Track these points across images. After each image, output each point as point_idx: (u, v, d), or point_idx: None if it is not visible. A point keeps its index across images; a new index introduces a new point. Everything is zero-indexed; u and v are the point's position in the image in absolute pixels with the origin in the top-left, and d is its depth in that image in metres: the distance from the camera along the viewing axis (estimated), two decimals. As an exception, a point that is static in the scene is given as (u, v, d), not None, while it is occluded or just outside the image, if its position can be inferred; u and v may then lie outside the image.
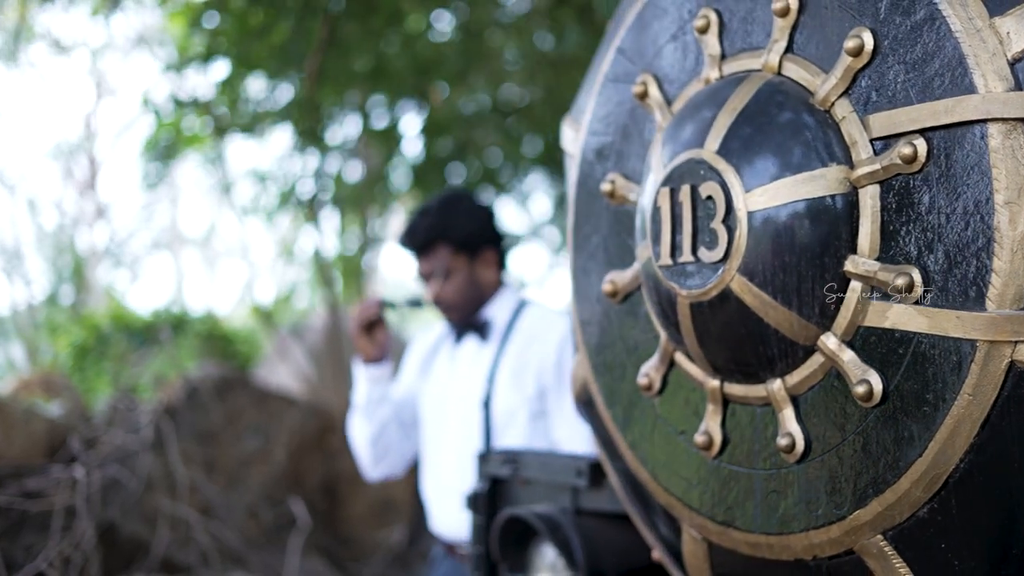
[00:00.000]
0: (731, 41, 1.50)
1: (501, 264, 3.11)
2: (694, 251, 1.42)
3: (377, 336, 3.08)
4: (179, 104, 6.96)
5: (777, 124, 1.38)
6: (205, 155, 8.92)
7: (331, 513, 5.93)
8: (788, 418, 1.40)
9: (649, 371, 1.59)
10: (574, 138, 1.80)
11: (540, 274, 12.76)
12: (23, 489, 4.53)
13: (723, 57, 1.51)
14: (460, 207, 3.05)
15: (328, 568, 5.10)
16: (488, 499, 2.24)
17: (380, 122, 7.88)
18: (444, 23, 7.72)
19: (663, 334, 1.56)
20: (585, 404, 1.80)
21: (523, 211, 10.76)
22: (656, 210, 1.47)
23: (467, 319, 3.06)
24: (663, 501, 1.60)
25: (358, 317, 3.06)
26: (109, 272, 19.97)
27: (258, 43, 6.10)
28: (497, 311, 3.06)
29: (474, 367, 3.02)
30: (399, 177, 8.57)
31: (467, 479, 2.90)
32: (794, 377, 1.40)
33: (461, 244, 3.00)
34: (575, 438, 2.83)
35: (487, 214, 3.09)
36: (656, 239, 1.48)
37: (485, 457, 2.26)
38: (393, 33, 6.97)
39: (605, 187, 1.66)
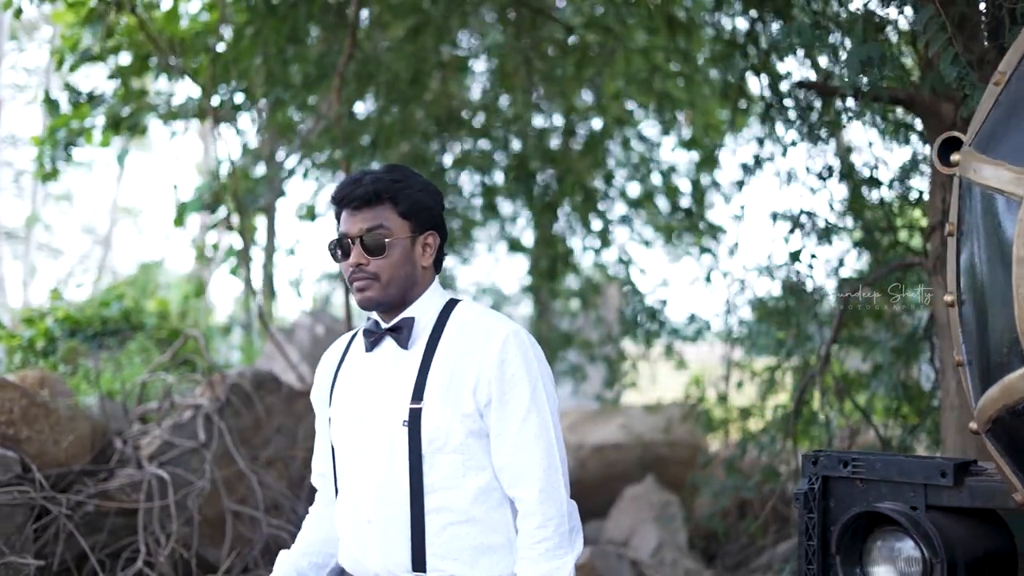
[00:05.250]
0: None
1: (439, 257, 2.66)
2: None
3: None
4: (75, 100, 6.88)
5: None
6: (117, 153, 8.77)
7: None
8: None
9: None
10: (1015, 179, 2.05)
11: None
12: (100, 490, 4.42)
13: None
14: (411, 175, 2.64)
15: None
16: (820, 497, 2.46)
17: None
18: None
19: None
20: (1020, 415, 2.05)
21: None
22: None
23: (387, 306, 2.57)
24: None
25: None
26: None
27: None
28: (422, 310, 2.58)
29: (395, 379, 2.54)
30: None
31: (392, 511, 2.47)
32: None
33: (408, 211, 2.56)
34: (517, 463, 2.45)
35: (438, 194, 2.68)
36: None
37: (816, 458, 2.48)
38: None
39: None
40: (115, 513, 4.48)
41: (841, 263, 6.31)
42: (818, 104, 6.20)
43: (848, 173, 6.17)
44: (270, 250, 11.20)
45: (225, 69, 6.66)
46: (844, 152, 6.56)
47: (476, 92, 8.85)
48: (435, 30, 7.24)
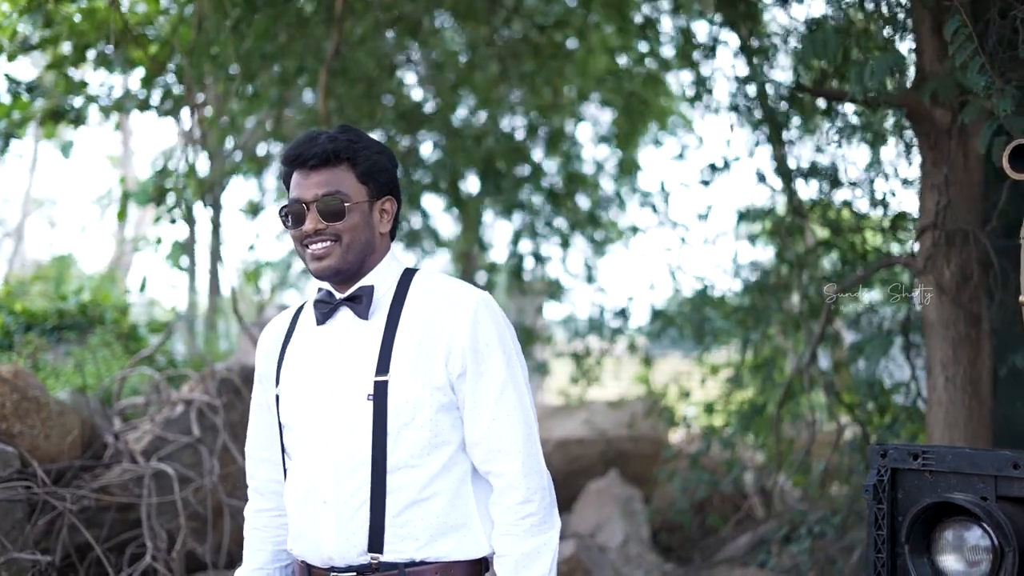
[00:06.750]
0: None
1: (395, 225, 2.51)
2: None
3: None
4: (14, 91, 6.78)
5: None
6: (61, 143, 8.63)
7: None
8: None
9: None
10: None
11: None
12: (101, 485, 4.35)
13: None
14: (367, 136, 2.47)
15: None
16: (889, 488, 2.56)
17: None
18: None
19: None
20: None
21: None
22: None
23: (346, 274, 2.40)
24: None
25: None
26: None
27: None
28: (380, 279, 2.44)
29: (355, 351, 2.38)
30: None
31: (351, 491, 2.32)
32: None
33: (365, 173, 2.40)
34: (495, 437, 2.34)
35: (393, 157, 2.52)
36: None
37: (884, 451, 2.57)
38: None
39: None
40: (113, 508, 4.41)
41: (805, 263, 6.48)
42: (784, 106, 6.38)
43: (815, 173, 6.34)
44: (216, 245, 11.07)
45: (203, 64, 6.55)
46: (784, 151, 6.71)
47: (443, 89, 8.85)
48: (403, 27, 7.24)
